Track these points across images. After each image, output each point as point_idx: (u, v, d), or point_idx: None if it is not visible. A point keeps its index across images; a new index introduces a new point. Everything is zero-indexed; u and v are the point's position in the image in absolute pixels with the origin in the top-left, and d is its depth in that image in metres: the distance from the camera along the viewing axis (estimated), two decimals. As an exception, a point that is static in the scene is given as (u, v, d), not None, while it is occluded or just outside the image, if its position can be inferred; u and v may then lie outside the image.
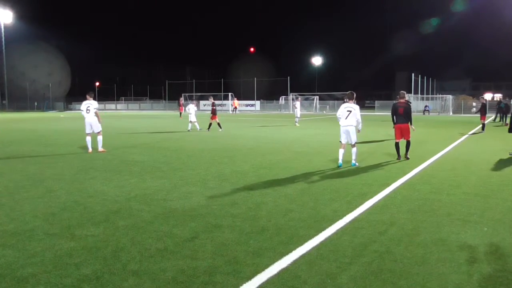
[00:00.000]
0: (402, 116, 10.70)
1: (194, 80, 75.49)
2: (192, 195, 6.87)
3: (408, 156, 10.73)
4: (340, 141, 9.86)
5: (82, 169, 9.43)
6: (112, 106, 78.19)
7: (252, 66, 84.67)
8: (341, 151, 9.82)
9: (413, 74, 51.92)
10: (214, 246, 4.54)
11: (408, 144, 10.76)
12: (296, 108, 26.80)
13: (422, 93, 57.52)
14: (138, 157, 11.42)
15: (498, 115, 30.71)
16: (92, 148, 12.46)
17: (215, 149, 13.20)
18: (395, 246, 4.54)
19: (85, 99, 12.74)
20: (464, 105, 50.09)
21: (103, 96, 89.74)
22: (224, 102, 61.82)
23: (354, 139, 9.70)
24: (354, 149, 9.80)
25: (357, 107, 9.81)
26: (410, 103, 11.12)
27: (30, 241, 4.67)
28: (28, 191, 7.16)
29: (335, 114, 10.15)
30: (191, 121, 21.60)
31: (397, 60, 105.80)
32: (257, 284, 3.64)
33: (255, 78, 66.36)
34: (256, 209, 5.99)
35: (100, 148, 12.48)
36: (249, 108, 61.47)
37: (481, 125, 20.84)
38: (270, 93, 70.32)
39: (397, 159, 10.76)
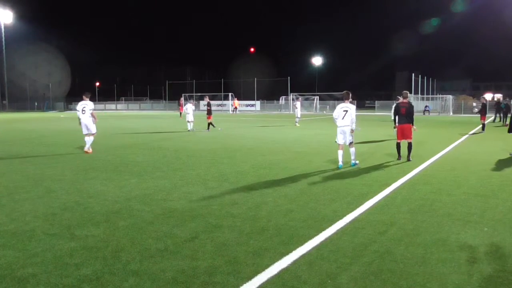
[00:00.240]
0: (404, 116, 10.64)
1: (194, 80, 75.51)
2: (192, 195, 6.87)
3: (411, 158, 10.63)
4: (337, 142, 9.82)
5: (82, 170, 9.43)
6: (112, 106, 78.16)
7: (252, 66, 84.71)
8: (340, 152, 9.78)
9: (413, 74, 51.92)
10: (214, 246, 4.54)
11: (409, 146, 10.64)
12: (296, 108, 26.80)
13: (422, 93, 57.51)
14: (138, 157, 11.42)
15: (498, 115, 30.70)
16: (91, 148, 12.44)
17: (215, 149, 13.20)
18: (395, 246, 4.54)
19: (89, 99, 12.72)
20: (464, 105, 50.06)
21: (103, 96, 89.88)
22: (225, 102, 61.84)
23: (350, 139, 9.64)
24: (352, 149, 9.74)
25: (353, 106, 9.75)
26: (411, 103, 11.11)
27: (30, 241, 4.67)
28: (28, 192, 7.16)
29: (332, 115, 10.09)
30: (188, 121, 21.51)
31: (397, 60, 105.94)
32: (257, 284, 3.64)
33: (255, 78, 66.37)
34: (256, 209, 5.99)
35: (86, 148, 12.28)
36: (249, 108, 61.44)
37: (481, 125, 20.85)
38: (270, 93, 70.30)
39: (398, 159, 10.75)
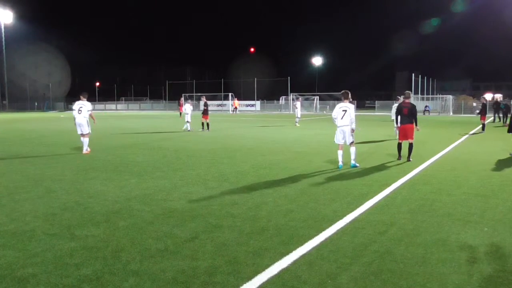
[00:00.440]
0: (407, 116, 10.59)
1: (194, 80, 75.53)
2: (192, 195, 6.87)
3: (411, 159, 10.60)
4: (336, 142, 9.76)
5: (83, 170, 9.43)
6: (113, 106, 78.16)
7: (252, 66, 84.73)
8: (339, 153, 9.75)
9: (413, 74, 51.92)
10: (214, 246, 4.54)
11: (411, 146, 10.60)
12: (296, 108, 26.80)
13: (422, 93, 57.51)
14: (138, 157, 11.42)
15: (497, 115, 30.70)
16: (89, 148, 12.36)
17: (215, 149, 13.20)
18: (396, 246, 4.54)
19: (88, 99, 12.67)
20: (464, 105, 50.07)
21: (103, 96, 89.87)
22: (225, 102, 61.84)
23: (350, 139, 9.57)
24: (352, 149, 9.61)
25: (352, 106, 9.69)
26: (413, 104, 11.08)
27: (30, 242, 4.67)
28: (28, 192, 7.16)
29: (331, 115, 10.06)
30: (187, 121, 21.44)
31: (397, 60, 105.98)
32: (257, 284, 3.64)
33: (255, 78, 66.37)
34: (256, 209, 5.99)
35: (84, 150, 12.20)
36: (249, 108, 61.44)
37: (481, 125, 20.85)
38: (270, 93, 70.31)
39: (398, 159, 10.74)
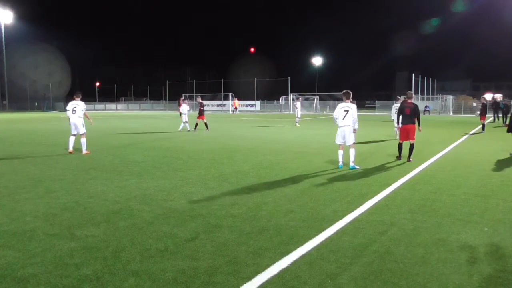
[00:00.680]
0: (409, 116, 10.54)
1: (194, 80, 75.50)
2: (192, 196, 6.87)
3: (411, 159, 10.58)
4: (336, 143, 9.73)
5: (83, 170, 9.43)
6: (113, 106, 78.15)
7: (253, 66, 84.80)
8: (340, 153, 9.74)
9: (413, 74, 51.89)
10: (215, 246, 4.54)
11: (412, 147, 10.56)
12: (296, 108, 26.80)
13: (422, 93, 57.49)
14: (139, 158, 11.42)
15: (496, 115, 30.70)
16: (73, 148, 12.21)
17: (215, 149, 13.20)
18: (396, 247, 4.54)
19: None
20: (465, 106, 50.07)
21: (103, 96, 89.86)
22: (225, 102, 61.84)
23: (351, 139, 9.50)
24: (352, 150, 9.53)
25: (354, 106, 9.63)
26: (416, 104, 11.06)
27: (30, 242, 4.67)
28: (28, 192, 7.16)
29: (332, 115, 10.04)
30: (184, 122, 21.26)
31: (397, 60, 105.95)
32: (258, 284, 3.64)
33: (256, 79, 66.34)
34: (257, 210, 5.99)
35: (84, 151, 12.13)
36: (249, 108, 61.43)
37: (481, 126, 20.86)
38: (270, 93, 70.32)
39: (398, 159, 10.72)
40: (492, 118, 31.04)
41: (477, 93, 72.80)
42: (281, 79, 68.12)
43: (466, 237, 4.86)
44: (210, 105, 63.14)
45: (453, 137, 17.77)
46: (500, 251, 4.44)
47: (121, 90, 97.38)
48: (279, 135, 19.19)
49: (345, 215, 5.69)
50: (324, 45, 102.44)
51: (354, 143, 9.59)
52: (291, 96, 55.93)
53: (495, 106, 31.10)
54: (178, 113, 38.66)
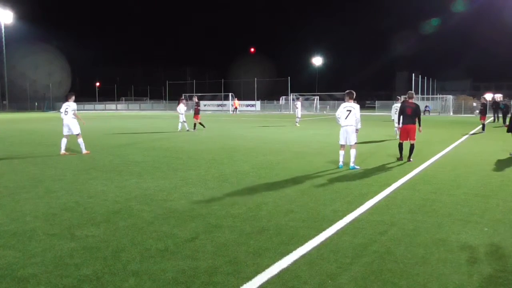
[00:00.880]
0: (410, 116, 10.51)
1: (194, 80, 75.52)
2: (192, 196, 6.87)
3: (411, 159, 10.57)
4: (340, 143, 9.69)
5: (83, 170, 9.43)
6: (113, 106, 78.15)
7: (253, 66, 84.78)
8: (341, 153, 9.73)
9: (413, 74, 51.90)
10: (215, 246, 4.54)
11: (412, 147, 10.54)
12: (297, 108, 26.80)
13: (422, 93, 57.51)
14: (139, 158, 11.42)
15: (496, 115, 30.70)
16: (66, 150, 12.11)
17: (215, 149, 13.20)
18: (396, 247, 4.54)
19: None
20: (465, 106, 50.09)
21: (103, 96, 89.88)
22: (225, 102, 61.83)
23: (353, 139, 9.49)
24: (353, 151, 9.52)
25: (357, 106, 9.61)
26: (417, 104, 11.04)
27: (30, 242, 4.67)
28: (28, 192, 7.16)
29: (335, 114, 10.03)
30: (182, 121, 21.21)
31: (397, 60, 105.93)
32: (258, 284, 3.64)
33: (256, 79, 66.35)
34: (257, 210, 5.99)
35: (84, 151, 12.09)
36: (249, 108, 61.42)
37: (481, 126, 20.86)
38: (270, 93, 70.32)
39: (398, 159, 10.71)
40: (492, 118, 31.05)
41: (477, 93, 72.76)
42: (281, 79, 68.19)
43: (466, 237, 4.86)
44: (210, 105, 63.19)
45: (453, 137, 17.77)
46: (500, 251, 4.44)
47: (121, 90, 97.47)
48: (279, 135, 19.19)
49: (345, 215, 5.69)
50: (324, 45, 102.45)
51: (356, 143, 9.59)
52: (291, 96, 55.92)
53: (495, 106, 31.10)
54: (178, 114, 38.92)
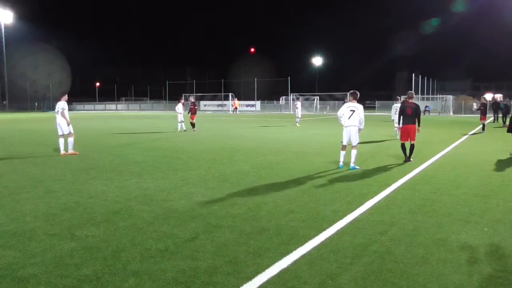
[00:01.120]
0: (411, 116, 10.46)
1: (194, 81, 75.53)
2: (192, 196, 6.87)
3: (412, 159, 10.53)
4: (344, 144, 9.65)
5: (83, 170, 9.43)
6: (113, 106, 78.14)
7: (253, 66, 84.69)
8: (342, 153, 9.72)
9: (413, 74, 51.90)
10: (215, 246, 4.54)
11: (412, 147, 10.50)
12: (297, 108, 26.80)
13: (422, 93, 57.49)
14: (139, 158, 11.42)
15: (496, 115, 30.70)
16: (65, 150, 12.07)
17: (215, 149, 13.20)
18: (396, 247, 4.54)
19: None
20: (465, 106, 50.09)
21: (103, 97, 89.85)
22: (225, 102, 61.83)
23: (356, 139, 9.49)
24: (354, 151, 9.51)
25: (360, 106, 9.58)
26: (417, 104, 11.00)
27: (30, 242, 4.67)
28: (28, 192, 7.16)
29: (336, 114, 10.01)
30: (180, 121, 21.09)
31: (397, 60, 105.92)
32: (258, 284, 3.64)
33: (256, 79, 66.35)
34: (257, 210, 5.99)
35: (70, 150, 12.02)
36: (249, 108, 61.42)
37: (481, 126, 20.86)
38: (270, 94, 70.31)
39: (405, 161, 10.50)
40: (492, 118, 31.05)
41: (477, 93, 72.77)
42: (281, 79, 68.19)
43: (466, 237, 4.86)
44: (210, 105, 63.21)
45: (453, 137, 17.77)
46: (500, 251, 4.44)
47: (121, 90, 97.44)
48: (279, 135, 19.19)
49: (345, 215, 5.69)
50: (324, 45, 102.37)
51: (358, 143, 9.60)
52: (291, 96, 55.92)
53: (495, 106, 31.11)
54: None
